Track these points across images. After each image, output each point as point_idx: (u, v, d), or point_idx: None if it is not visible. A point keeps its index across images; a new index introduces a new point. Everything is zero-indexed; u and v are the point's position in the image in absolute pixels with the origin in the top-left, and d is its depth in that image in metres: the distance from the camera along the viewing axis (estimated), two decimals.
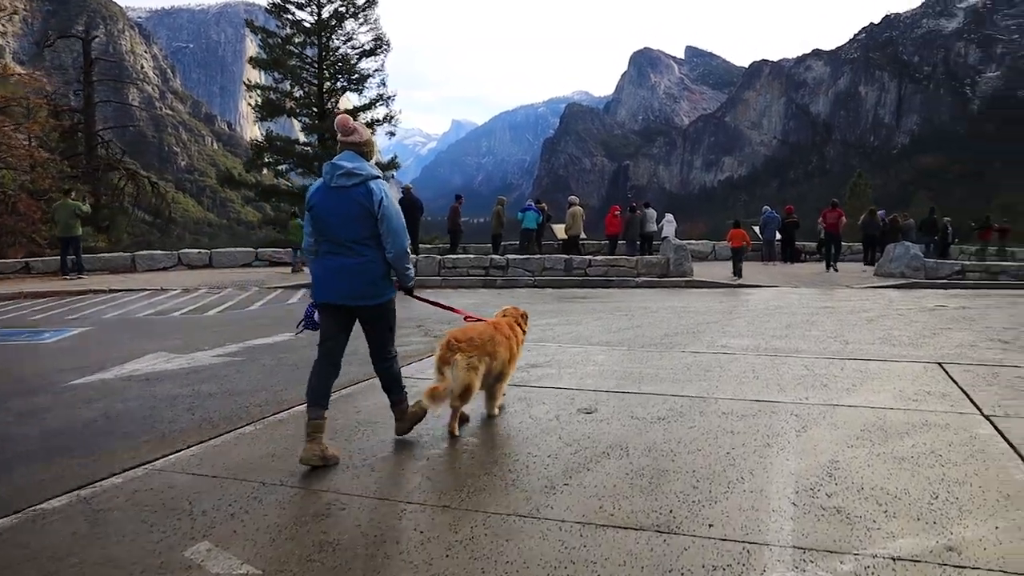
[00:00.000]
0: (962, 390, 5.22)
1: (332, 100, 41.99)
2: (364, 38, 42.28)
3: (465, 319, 4.68)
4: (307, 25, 40.05)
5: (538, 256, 15.69)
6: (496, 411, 4.69)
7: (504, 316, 4.81)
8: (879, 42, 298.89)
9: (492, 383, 4.51)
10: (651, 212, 20.94)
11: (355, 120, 3.99)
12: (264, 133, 43.01)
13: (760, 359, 6.47)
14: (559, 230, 20.30)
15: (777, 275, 17.70)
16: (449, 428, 4.28)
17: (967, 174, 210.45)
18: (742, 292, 13.84)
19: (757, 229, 21.68)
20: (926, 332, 8.15)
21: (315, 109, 40.64)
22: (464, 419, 4.48)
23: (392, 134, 45.67)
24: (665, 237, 20.51)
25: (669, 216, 21.36)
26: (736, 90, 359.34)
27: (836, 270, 19.45)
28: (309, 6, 40.37)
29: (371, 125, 43.08)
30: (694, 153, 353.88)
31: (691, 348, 7.14)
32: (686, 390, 5.33)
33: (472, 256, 15.53)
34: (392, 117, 42.48)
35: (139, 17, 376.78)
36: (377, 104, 42.00)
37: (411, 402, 4.34)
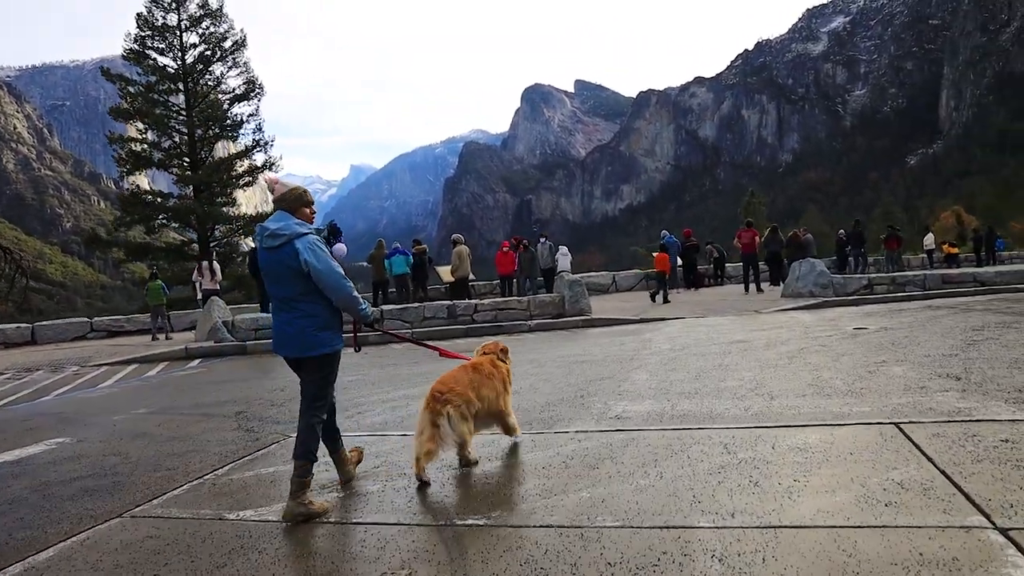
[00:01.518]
0: (944, 474, 3.65)
1: (205, 149, 39.27)
2: (235, 82, 39.92)
3: (440, 354, 4.84)
4: (171, 71, 37.37)
5: (417, 304, 13.83)
6: (518, 435, 4.87)
7: (484, 354, 4.83)
8: (755, 67, 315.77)
9: (496, 423, 4.67)
10: (546, 245, 19.49)
11: (276, 179, 3.91)
12: (129, 189, 39.74)
13: (665, 437, 4.79)
14: (444, 272, 18.53)
15: (682, 304, 16.44)
16: (467, 460, 4.41)
17: (847, 186, 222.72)
18: (645, 329, 12.37)
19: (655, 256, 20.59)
20: (859, 370, 6.73)
21: (187, 159, 37.84)
22: (471, 463, 4.47)
23: (276, 180, 43.01)
24: (561, 272, 19.06)
25: (563, 249, 19.95)
26: (627, 120, 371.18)
27: (760, 290, 18.50)
28: (171, 51, 37.75)
29: (251, 172, 40.53)
30: (593, 183, 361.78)
31: (576, 424, 5.41)
32: (555, 515, 3.54)
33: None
34: (273, 164, 40.08)
35: (7, 76, 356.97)
36: (254, 151, 39.56)
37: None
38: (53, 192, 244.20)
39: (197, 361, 11.99)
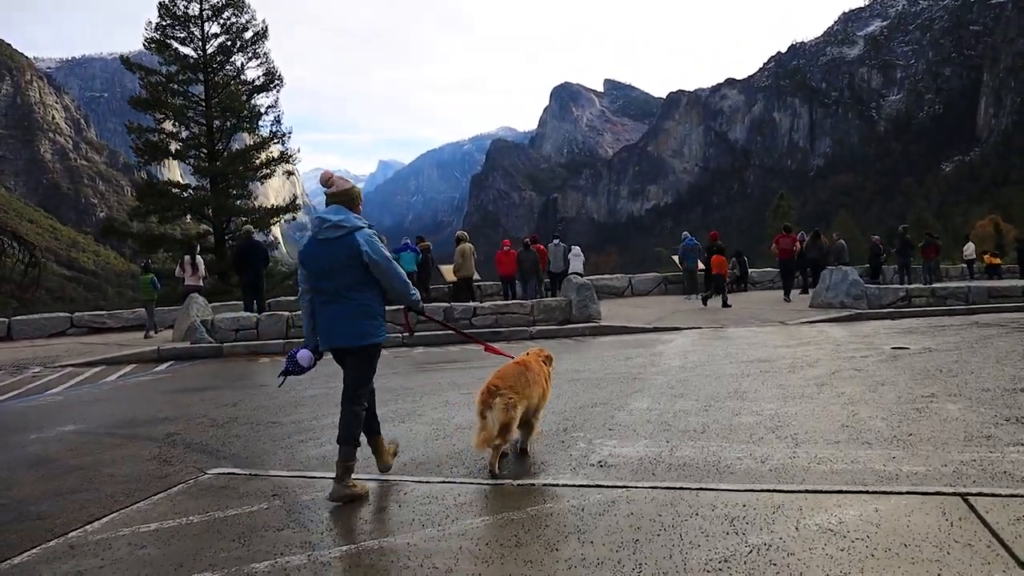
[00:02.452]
0: None
1: (222, 140, 38.66)
2: (254, 73, 39.26)
3: (485, 350, 5.20)
4: (191, 61, 36.79)
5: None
6: (528, 445, 4.75)
7: (529, 354, 4.88)
8: (788, 70, 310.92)
9: (528, 419, 4.59)
10: (559, 246, 18.34)
11: (332, 175, 4.28)
12: (143, 178, 39.34)
13: (655, 502, 3.67)
14: (447, 271, 17.43)
15: (701, 312, 15.23)
16: (491, 466, 4.30)
17: (879, 192, 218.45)
18: (657, 340, 11.21)
19: (676, 259, 19.31)
20: (904, 406, 5.55)
21: (204, 150, 37.26)
22: (504, 454, 4.51)
23: (291, 173, 42.50)
24: (572, 274, 17.88)
25: (576, 249, 18.76)
26: (656, 120, 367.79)
27: (788, 299, 17.30)
28: (192, 41, 37.18)
29: (268, 164, 39.83)
30: (620, 183, 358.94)
31: (548, 474, 4.29)
32: None
33: None
34: (291, 156, 39.42)
35: (48, 68, 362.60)
36: (271, 143, 38.90)
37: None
38: (88, 182, 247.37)
39: (167, 364, 11.06)
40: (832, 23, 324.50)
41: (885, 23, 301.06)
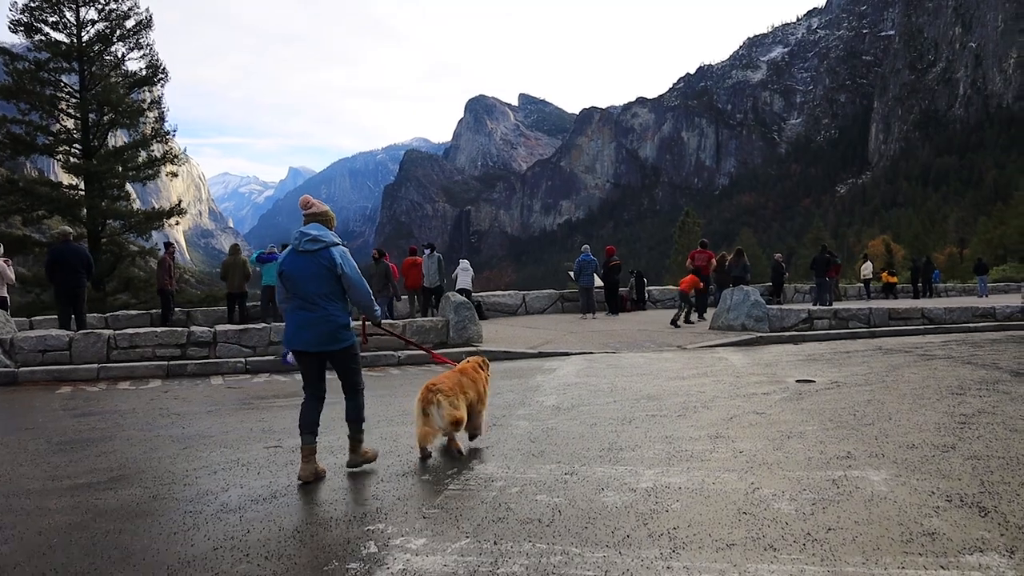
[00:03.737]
0: None
1: (98, 136, 35.35)
2: (136, 65, 36.19)
3: (433, 359, 6.46)
4: (64, 48, 33.46)
5: (261, 326, 10.97)
6: (473, 443, 5.29)
7: (467, 362, 5.49)
8: (696, 91, 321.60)
9: (468, 423, 5.06)
10: (434, 257, 16.22)
11: (312, 199, 4.77)
12: (4, 174, 35.58)
13: None
14: None
15: (594, 334, 13.98)
16: (455, 447, 5.05)
17: (780, 211, 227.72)
18: (540, 368, 9.83)
19: (572, 275, 18.10)
20: (816, 473, 4.29)
21: (78, 146, 33.94)
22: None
23: (175, 174, 39.36)
24: (461, 290, 16.34)
25: (464, 264, 17.17)
26: (569, 136, 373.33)
27: (703, 318, 16.28)
28: (65, 27, 33.86)
29: (151, 164, 36.72)
30: (533, 197, 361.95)
31: None
32: None
33: (162, 330, 10.55)
34: (176, 156, 36.44)
35: None
36: (153, 140, 35.87)
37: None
38: None
39: None
40: (738, 47, 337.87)
41: (786, 50, 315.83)
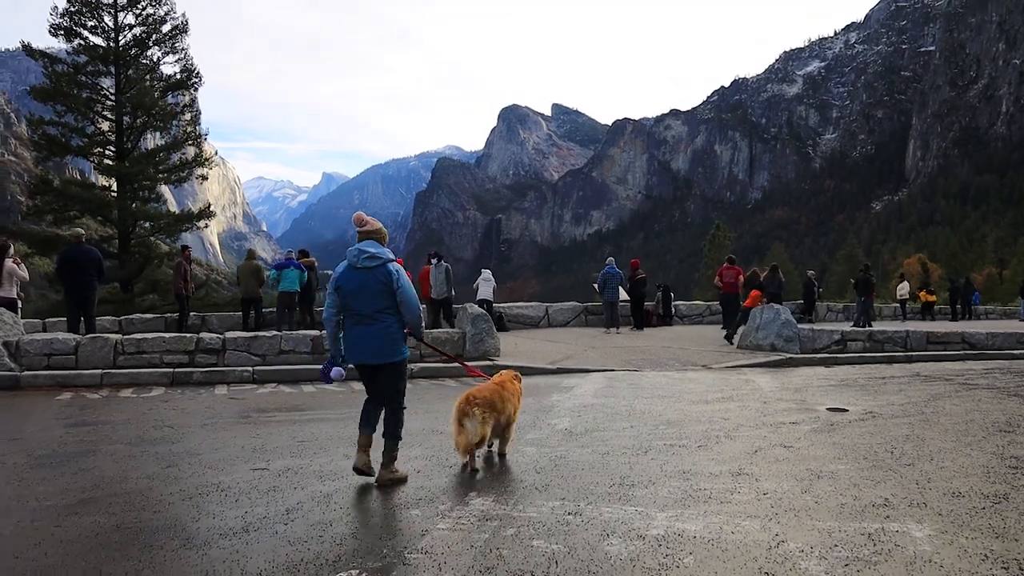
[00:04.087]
0: None
1: (131, 138, 35.69)
2: (171, 69, 36.54)
3: (468, 372, 6.68)
4: (101, 51, 33.88)
5: (271, 334, 10.68)
6: (506, 451, 5.48)
7: (502, 375, 5.63)
8: (730, 104, 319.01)
9: (501, 430, 5.31)
10: (441, 267, 15.29)
11: (367, 217, 4.89)
12: (40, 174, 36.08)
13: None
14: None
15: (616, 350, 13.52)
16: (471, 466, 5.05)
17: (813, 227, 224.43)
18: (556, 386, 9.40)
19: (597, 287, 17.60)
20: (850, 524, 3.81)
21: (112, 148, 34.30)
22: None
23: (205, 178, 39.57)
24: (483, 301, 15.94)
25: (486, 274, 16.70)
26: (601, 147, 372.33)
27: (732, 342, 15.66)
28: (104, 31, 34.30)
29: (182, 167, 37.00)
30: (564, 207, 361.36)
31: None
32: None
33: (170, 336, 10.31)
34: (207, 159, 36.66)
35: None
36: (185, 143, 36.13)
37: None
38: (15, 179, 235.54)
39: None
40: (773, 61, 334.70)
41: (823, 64, 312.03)
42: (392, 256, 4.76)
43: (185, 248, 15.20)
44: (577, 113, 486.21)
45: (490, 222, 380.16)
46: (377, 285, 4.61)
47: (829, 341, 13.30)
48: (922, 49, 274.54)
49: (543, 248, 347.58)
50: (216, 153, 37.89)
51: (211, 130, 36.54)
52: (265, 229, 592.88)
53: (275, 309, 14.45)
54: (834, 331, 13.61)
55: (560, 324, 18.09)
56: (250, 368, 9.88)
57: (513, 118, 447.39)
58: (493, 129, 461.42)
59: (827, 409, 7.63)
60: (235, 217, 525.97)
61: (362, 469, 4.64)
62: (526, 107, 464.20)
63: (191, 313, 14.92)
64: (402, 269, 4.78)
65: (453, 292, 15.15)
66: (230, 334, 10.66)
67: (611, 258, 17.57)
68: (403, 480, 4.73)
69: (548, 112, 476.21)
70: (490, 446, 5.39)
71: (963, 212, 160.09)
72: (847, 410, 7.58)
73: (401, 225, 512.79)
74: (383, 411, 4.82)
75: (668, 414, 7.27)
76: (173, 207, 47.88)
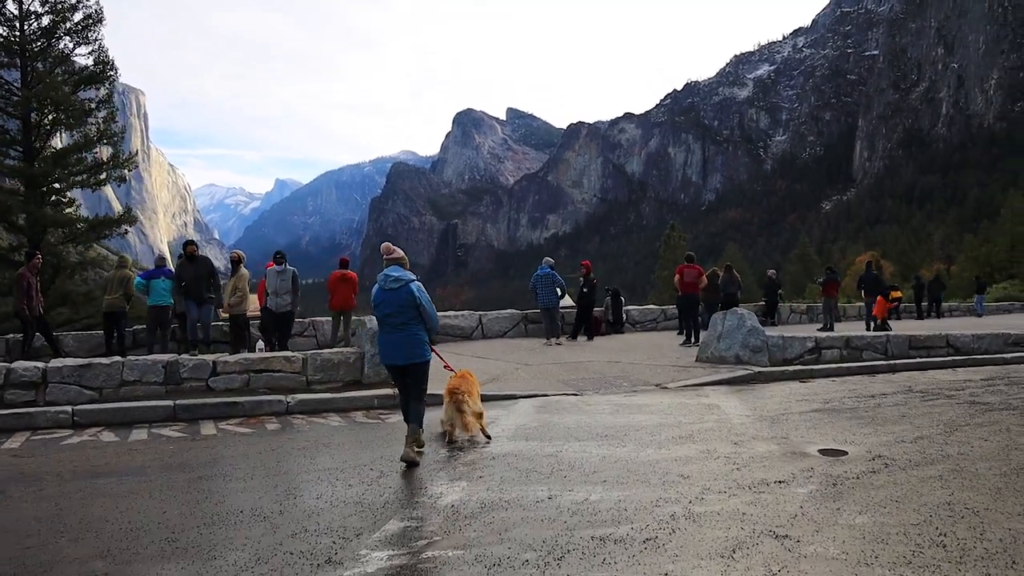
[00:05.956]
0: None
1: (40, 137, 32.54)
2: (83, 61, 33.48)
3: (445, 367, 6.82)
4: (3, 40, 30.73)
5: (109, 361, 8.34)
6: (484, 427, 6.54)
7: (461, 373, 6.70)
8: (683, 107, 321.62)
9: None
10: (288, 273, 11.87)
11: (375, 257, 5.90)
12: None
13: None
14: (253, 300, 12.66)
15: (554, 367, 11.44)
16: (485, 432, 6.36)
17: (766, 227, 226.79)
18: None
19: (537, 293, 15.45)
20: None
21: (19, 148, 31.14)
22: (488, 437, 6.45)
23: (123, 180, 36.46)
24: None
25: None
26: (556, 150, 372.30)
27: (691, 342, 13.84)
28: (6, 20, 31.16)
29: (100, 167, 33.90)
30: (520, 211, 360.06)
31: None
32: None
33: None
34: (127, 160, 33.64)
35: None
36: (100, 142, 33.09)
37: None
38: None
39: None
40: (724, 65, 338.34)
41: (772, 68, 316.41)
42: (413, 277, 5.89)
43: (33, 256, 12.27)
44: (532, 117, 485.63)
45: (446, 227, 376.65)
46: (403, 301, 5.74)
47: (802, 350, 11.42)
48: (867, 53, 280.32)
49: (500, 252, 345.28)
50: (135, 153, 34.90)
51: (162, 137, 33.33)
52: (217, 237, 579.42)
53: (146, 325, 12.00)
54: (806, 338, 11.74)
55: (496, 335, 15.90)
56: (69, 409, 7.51)
57: (468, 123, 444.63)
58: (448, 134, 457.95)
59: (820, 452, 5.67)
60: (186, 225, 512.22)
61: (410, 458, 5.55)
62: (481, 111, 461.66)
63: (55, 335, 12.37)
64: (421, 286, 5.90)
65: (298, 306, 12.13)
66: (55, 362, 8.27)
67: (547, 259, 15.33)
68: (422, 447, 5.89)
69: (503, 116, 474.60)
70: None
71: (909, 211, 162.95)
72: (846, 452, 5.64)
73: (356, 231, 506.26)
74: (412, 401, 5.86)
75: (606, 469, 5.21)
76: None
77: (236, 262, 11.78)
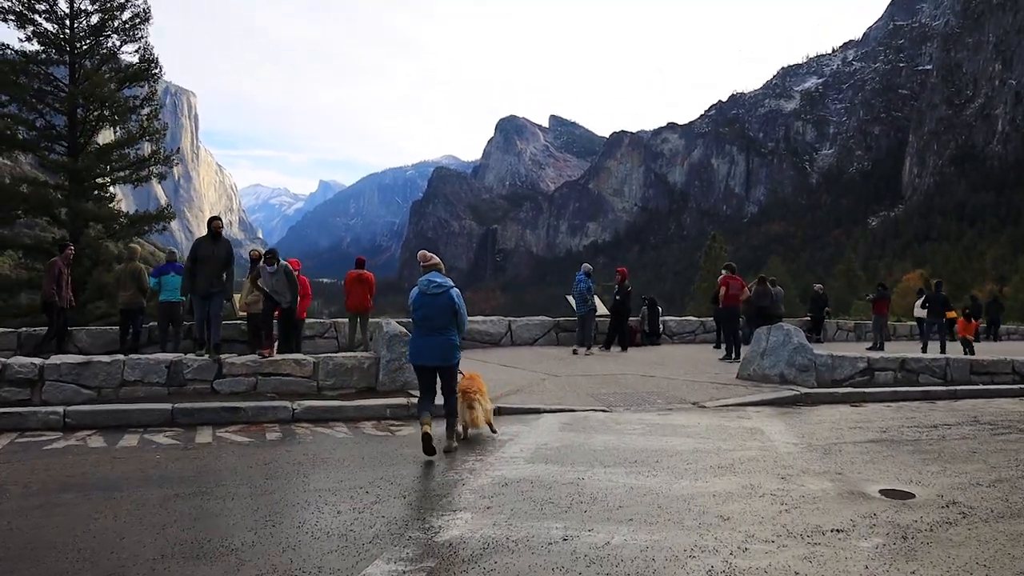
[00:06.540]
0: None
1: (84, 133, 32.89)
2: (129, 59, 33.79)
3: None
4: (52, 38, 31.15)
5: (109, 359, 7.92)
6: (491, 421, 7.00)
7: (470, 374, 6.85)
8: (727, 118, 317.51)
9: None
10: (280, 270, 10.27)
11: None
12: None
13: None
14: (235, 300, 12.15)
15: (583, 379, 10.73)
16: (492, 427, 6.84)
17: (809, 241, 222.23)
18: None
19: (572, 301, 14.77)
20: None
21: (65, 143, 31.51)
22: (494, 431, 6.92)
23: (162, 177, 36.78)
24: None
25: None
26: (598, 158, 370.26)
27: (737, 357, 12.95)
28: (56, 17, 31.57)
29: (142, 164, 34.19)
30: (560, 218, 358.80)
31: None
32: None
33: None
34: (168, 158, 33.86)
35: None
36: (142, 139, 33.32)
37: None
38: None
39: None
40: (771, 77, 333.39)
41: (820, 80, 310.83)
42: (451, 283, 6.24)
43: (66, 246, 12.04)
44: (574, 125, 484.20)
45: (486, 232, 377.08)
46: (443, 306, 6.09)
47: (852, 371, 10.56)
48: (919, 68, 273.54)
49: (538, 259, 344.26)
50: (177, 150, 35.09)
51: (211, 138, 33.48)
52: (261, 236, 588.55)
53: (158, 322, 11.59)
54: (857, 358, 10.86)
55: (525, 342, 15.23)
56: (60, 410, 7.05)
57: (510, 129, 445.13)
58: (490, 139, 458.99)
59: (882, 493, 4.91)
60: (231, 224, 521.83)
61: (430, 435, 5.80)
62: (524, 118, 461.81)
63: (70, 328, 12.05)
64: (459, 292, 6.25)
65: (296, 302, 11.28)
66: (53, 359, 7.86)
67: (586, 264, 14.67)
68: (461, 436, 6.58)
69: (545, 123, 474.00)
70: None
71: (960, 229, 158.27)
72: (913, 495, 4.88)
73: (397, 234, 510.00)
74: (433, 398, 6.28)
75: (633, 504, 4.54)
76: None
77: (255, 260, 11.31)
